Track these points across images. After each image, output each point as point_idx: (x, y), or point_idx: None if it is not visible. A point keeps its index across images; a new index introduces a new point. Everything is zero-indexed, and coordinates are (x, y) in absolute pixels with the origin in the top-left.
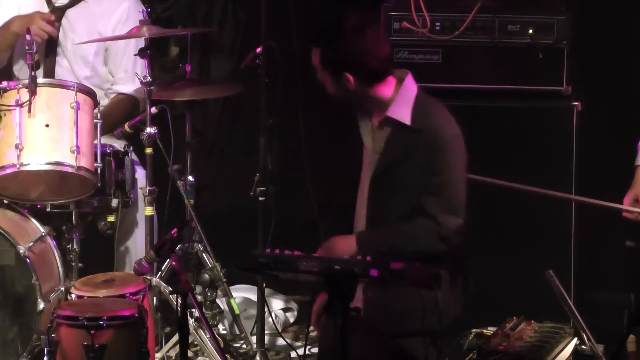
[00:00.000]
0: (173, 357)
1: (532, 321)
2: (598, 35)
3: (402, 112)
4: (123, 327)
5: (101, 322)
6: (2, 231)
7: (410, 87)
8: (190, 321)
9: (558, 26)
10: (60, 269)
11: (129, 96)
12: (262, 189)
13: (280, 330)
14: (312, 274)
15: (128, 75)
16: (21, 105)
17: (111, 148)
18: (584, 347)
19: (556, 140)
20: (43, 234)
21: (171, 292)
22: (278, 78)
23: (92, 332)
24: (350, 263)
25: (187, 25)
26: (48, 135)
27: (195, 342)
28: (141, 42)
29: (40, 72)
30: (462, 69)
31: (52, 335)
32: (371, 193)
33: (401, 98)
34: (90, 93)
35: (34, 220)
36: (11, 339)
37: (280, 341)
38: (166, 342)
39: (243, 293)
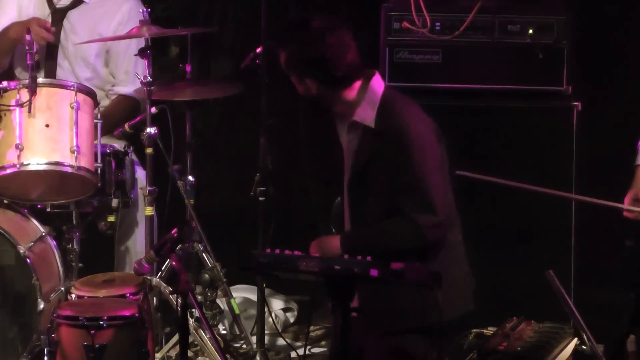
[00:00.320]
0: (173, 357)
1: (532, 321)
2: (598, 35)
3: (367, 115)
4: (123, 327)
5: (101, 322)
6: (2, 231)
7: (376, 88)
8: (190, 321)
9: (558, 26)
10: (60, 269)
11: (130, 97)
12: (262, 189)
13: (280, 330)
14: (312, 274)
15: (129, 76)
16: (21, 105)
17: (111, 148)
18: (584, 347)
19: (556, 140)
20: (43, 234)
21: (171, 292)
22: (278, 78)
23: (92, 332)
24: (350, 263)
25: (187, 25)
26: (48, 136)
27: (195, 342)
28: (141, 42)
29: (41, 75)
30: (462, 69)
31: (52, 335)
32: (349, 195)
33: (366, 101)
34: (90, 93)
35: (34, 220)
36: (11, 339)
37: (280, 341)
38: (166, 342)
39: (243, 293)
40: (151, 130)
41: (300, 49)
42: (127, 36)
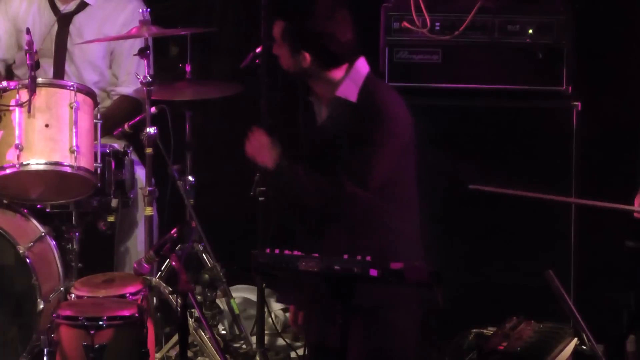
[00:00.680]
0: (173, 357)
1: (532, 321)
2: (598, 35)
3: (350, 91)
4: (123, 327)
5: (101, 322)
6: (2, 231)
7: (361, 69)
8: (190, 321)
9: (558, 26)
10: (60, 269)
11: (131, 97)
12: (262, 189)
13: (280, 330)
14: (312, 274)
15: (130, 77)
16: (21, 105)
17: (111, 148)
18: (584, 347)
19: (556, 140)
20: (43, 234)
21: (171, 292)
22: (278, 78)
23: (92, 332)
24: (350, 263)
25: (187, 25)
26: (48, 136)
27: (195, 342)
28: (142, 42)
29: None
30: (462, 69)
31: (52, 335)
32: (316, 167)
33: (350, 79)
34: (89, 93)
35: (34, 220)
36: (11, 339)
37: (280, 341)
38: (166, 342)
39: (243, 293)
40: (151, 130)
41: (306, 19)
42: (127, 36)
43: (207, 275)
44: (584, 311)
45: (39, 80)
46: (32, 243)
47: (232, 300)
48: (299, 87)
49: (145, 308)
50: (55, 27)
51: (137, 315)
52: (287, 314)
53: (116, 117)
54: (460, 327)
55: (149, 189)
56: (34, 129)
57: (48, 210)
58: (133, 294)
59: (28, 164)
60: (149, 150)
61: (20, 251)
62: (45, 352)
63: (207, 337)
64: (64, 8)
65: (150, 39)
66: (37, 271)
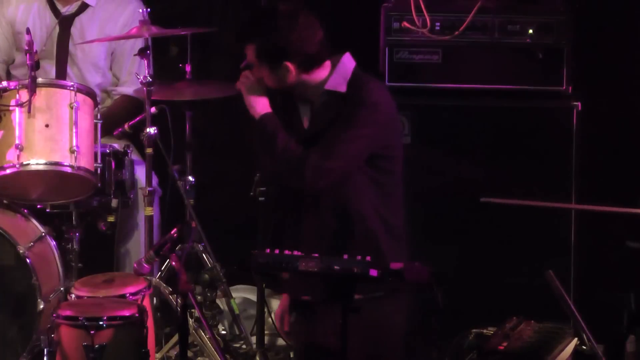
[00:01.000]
0: (173, 357)
1: (532, 321)
2: (598, 35)
3: (339, 84)
4: (123, 327)
5: (101, 322)
6: (2, 231)
7: (347, 64)
8: (190, 321)
9: (558, 26)
10: (60, 269)
11: (132, 97)
12: (262, 189)
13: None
14: (312, 274)
15: (132, 77)
16: (21, 106)
17: (111, 148)
18: (584, 347)
19: (556, 140)
20: (43, 234)
21: (171, 292)
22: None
23: (92, 332)
24: (350, 263)
25: (187, 25)
26: (48, 136)
27: (195, 343)
28: (143, 43)
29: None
30: (462, 69)
31: (52, 335)
32: None
33: (337, 74)
34: (89, 93)
35: (34, 220)
36: (11, 339)
37: (280, 341)
38: (166, 342)
39: (243, 293)
40: (151, 130)
41: (275, 34)
42: (127, 36)
43: (207, 275)
44: (584, 311)
45: (39, 80)
46: (32, 243)
47: (232, 300)
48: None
49: (145, 308)
50: (57, 29)
51: (137, 315)
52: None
53: (117, 117)
54: (460, 327)
55: (148, 189)
56: (34, 129)
57: (48, 210)
58: (133, 294)
59: (28, 164)
60: (149, 150)
61: (21, 251)
62: (45, 352)
63: (207, 337)
64: (65, 10)
65: (149, 39)
66: (37, 271)
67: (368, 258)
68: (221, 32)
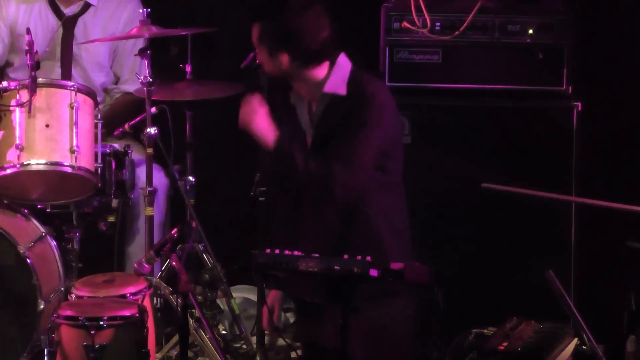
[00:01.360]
0: (173, 357)
1: (532, 321)
2: (598, 35)
3: (338, 86)
4: (123, 327)
5: (101, 322)
6: (2, 231)
7: (344, 64)
8: (191, 321)
9: (558, 26)
10: (61, 269)
11: (134, 95)
12: (262, 189)
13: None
14: (312, 274)
15: (133, 75)
16: (21, 106)
17: (111, 148)
18: (584, 347)
19: (556, 140)
20: (43, 234)
21: (171, 292)
22: (278, 78)
23: (92, 332)
24: (350, 263)
25: (187, 25)
26: (48, 136)
27: (196, 343)
28: (142, 42)
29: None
30: (462, 69)
31: (52, 335)
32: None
33: (335, 75)
34: (90, 93)
35: (34, 220)
36: (11, 339)
37: (280, 341)
38: (166, 342)
39: (243, 293)
40: (151, 130)
41: (278, 21)
42: (127, 36)
43: (207, 275)
44: (584, 311)
45: (39, 80)
46: (32, 243)
47: (232, 300)
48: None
49: (145, 308)
50: (60, 30)
51: (137, 315)
52: (287, 314)
53: (120, 114)
54: (460, 327)
55: (149, 189)
56: (35, 129)
57: (48, 210)
58: (133, 294)
59: (28, 164)
60: (149, 150)
61: (21, 251)
62: (45, 352)
63: (207, 337)
64: (68, 11)
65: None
66: (37, 271)
67: (368, 258)
68: (221, 32)
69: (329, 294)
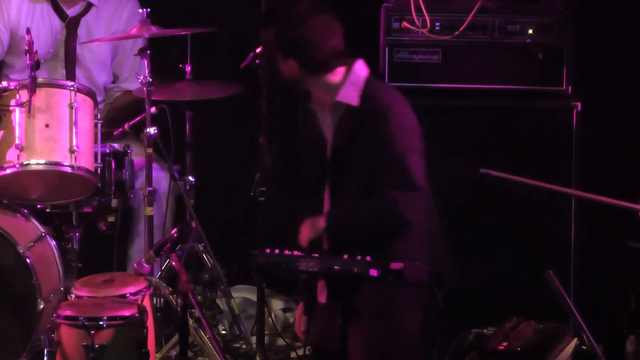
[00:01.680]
0: (173, 357)
1: (532, 321)
2: (598, 35)
3: (350, 95)
4: (123, 327)
5: (101, 322)
6: (2, 231)
7: (360, 71)
8: (191, 321)
9: (558, 26)
10: (60, 269)
11: (134, 94)
12: (262, 189)
13: (280, 330)
14: (312, 274)
15: (134, 74)
16: (21, 106)
17: (111, 148)
18: (584, 347)
19: (556, 140)
20: (43, 234)
21: (171, 292)
22: (278, 78)
23: (92, 332)
24: (350, 263)
25: (187, 25)
26: (48, 136)
27: (195, 343)
28: (141, 42)
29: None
30: (462, 69)
31: (52, 335)
32: (330, 176)
33: (349, 83)
34: (89, 93)
35: (34, 220)
36: (11, 339)
37: (280, 341)
38: (166, 342)
39: (243, 293)
40: (151, 130)
41: (283, 28)
42: (127, 36)
43: (207, 275)
44: (584, 311)
45: (39, 80)
46: (32, 243)
47: (232, 300)
48: (299, 92)
49: (145, 308)
50: (64, 31)
51: (137, 315)
52: (287, 314)
53: (120, 112)
54: (460, 327)
55: (148, 189)
56: (34, 129)
57: (48, 210)
58: (133, 294)
59: (28, 164)
60: (149, 150)
61: (20, 251)
62: (45, 352)
63: (207, 337)
64: (71, 12)
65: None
66: (37, 271)
67: (368, 258)
68: (221, 32)
69: (329, 293)
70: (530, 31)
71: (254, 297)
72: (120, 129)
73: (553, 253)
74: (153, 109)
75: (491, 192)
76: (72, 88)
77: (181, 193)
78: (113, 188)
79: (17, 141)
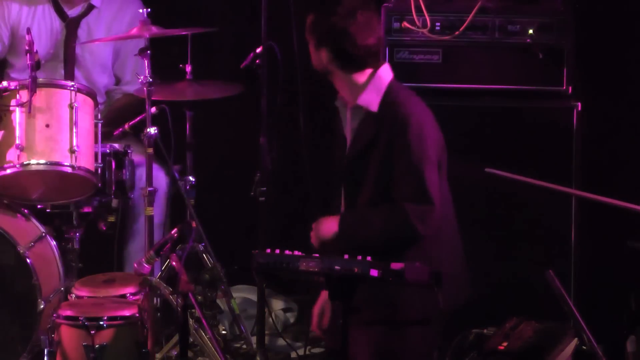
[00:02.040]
0: (173, 358)
1: (532, 321)
2: (598, 35)
3: (371, 99)
4: (123, 327)
5: (101, 322)
6: (2, 231)
7: (384, 76)
8: (191, 321)
9: (558, 26)
10: (61, 269)
11: (136, 96)
12: (262, 189)
13: (280, 330)
14: (313, 274)
15: (135, 77)
16: (21, 106)
17: (111, 148)
18: (584, 347)
19: (556, 140)
20: (43, 234)
21: (171, 292)
22: (278, 78)
23: (92, 332)
24: (350, 263)
25: (187, 25)
26: (48, 136)
27: (196, 343)
28: (142, 42)
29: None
30: (462, 69)
31: (52, 335)
32: (345, 180)
33: (372, 86)
34: (90, 93)
35: (34, 220)
36: (11, 339)
37: (280, 341)
38: (166, 342)
39: (243, 293)
40: (151, 130)
41: (328, 15)
42: (127, 36)
43: (207, 275)
44: (584, 311)
45: (39, 80)
46: (32, 243)
47: (232, 300)
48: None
49: (146, 308)
50: (64, 32)
51: (137, 315)
52: (287, 314)
53: (121, 114)
54: (460, 327)
55: (149, 189)
56: (35, 129)
57: (48, 210)
58: (133, 294)
59: (29, 164)
60: (149, 150)
61: (21, 251)
62: (45, 352)
63: (207, 337)
64: (72, 12)
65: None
66: (37, 271)
67: (369, 258)
68: (221, 32)
69: (330, 293)
70: (531, 31)
71: (254, 297)
72: (120, 129)
73: (553, 253)
74: (153, 109)
75: (491, 192)
76: (72, 88)
77: (181, 192)
78: (113, 188)
79: (17, 141)
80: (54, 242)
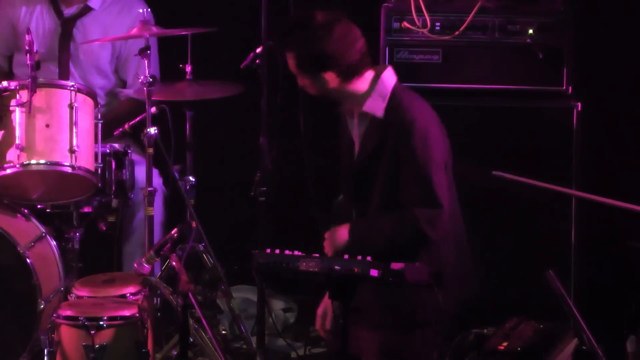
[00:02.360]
0: (173, 357)
1: (532, 321)
2: (598, 35)
3: (376, 106)
4: (123, 327)
5: (101, 322)
6: (2, 231)
7: (387, 81)
8: (191, 321)
9: (558, 26)
10: (61, 269)
11: (138, 99)
12: (262, 189)
13: (280, 331)
14: (313, 274)
15: (136, 78)
16: (21, 106)
17: (111, 148)
18: (584, 347)
19: (556, 140)
20: (43, 234)
21: (171, 292)
22: (278, 78)
23: (92, 332)
24: (350, 263)
25: (187, 25)
26: (48, 136)
27: (196, 343)
28: (143, 43)
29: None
30: (462, 69)
31: (52, 335)
32: (354, 187)
33: (376, 92)
34: (90, 93)
35: (34, 220)
36: (11, 339)
37: (280, 341)
38: (166, 342)
39: (243, 293)
40: (151, 130)
41: (311, 45)
42: (127, 36)
43: (207, 275)
44: (584, 311)
45: (39, 80)
46: (32, 243)
47: (232, 300)
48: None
49: (146, 308)
50: (59, 30)
51: (137, 315)
52: (287, 314)
53: (121, 118)
54: (460, 327)
55: (149, 189)
56: (35, 129)
57: (48, 210)
58: (133, 294)
59: (29, 164)
60: (149, 150)
61: (21, 251)
62: (45, 352)
63: (207, 337)
64: (67, 11)
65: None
66: (37, 271)
67: (369, 258)
68: (221, 32)
69: (330, 293)
70: (531, 31)
71: (254, 297)
72: (120, 129)
73: (553, 253)
74: (153, 109)
75: (491, 192)
76: (72, 88)
77: (181, 192)
78: (113, 188)
79: (17, 141)
80: (54, 242)
